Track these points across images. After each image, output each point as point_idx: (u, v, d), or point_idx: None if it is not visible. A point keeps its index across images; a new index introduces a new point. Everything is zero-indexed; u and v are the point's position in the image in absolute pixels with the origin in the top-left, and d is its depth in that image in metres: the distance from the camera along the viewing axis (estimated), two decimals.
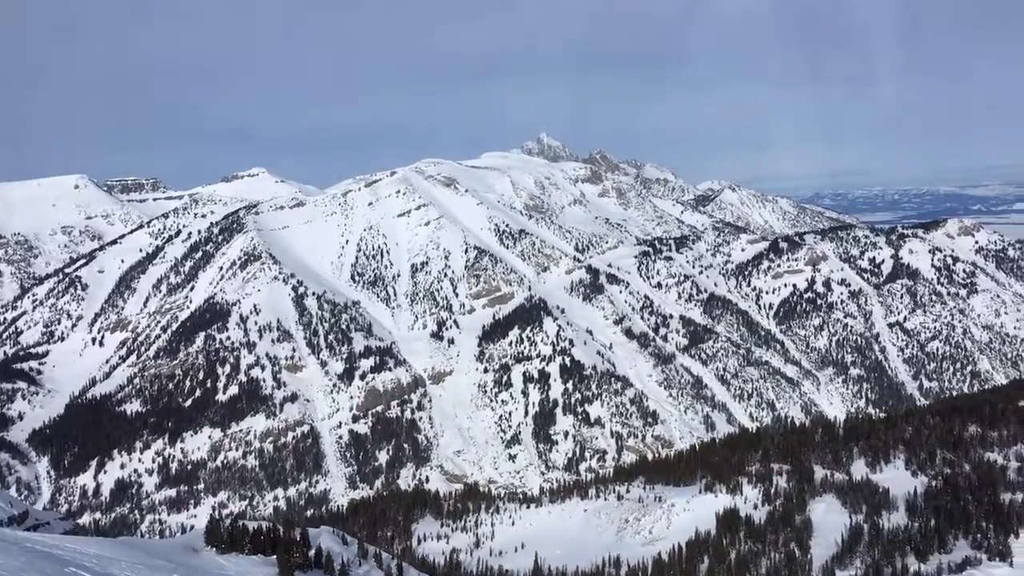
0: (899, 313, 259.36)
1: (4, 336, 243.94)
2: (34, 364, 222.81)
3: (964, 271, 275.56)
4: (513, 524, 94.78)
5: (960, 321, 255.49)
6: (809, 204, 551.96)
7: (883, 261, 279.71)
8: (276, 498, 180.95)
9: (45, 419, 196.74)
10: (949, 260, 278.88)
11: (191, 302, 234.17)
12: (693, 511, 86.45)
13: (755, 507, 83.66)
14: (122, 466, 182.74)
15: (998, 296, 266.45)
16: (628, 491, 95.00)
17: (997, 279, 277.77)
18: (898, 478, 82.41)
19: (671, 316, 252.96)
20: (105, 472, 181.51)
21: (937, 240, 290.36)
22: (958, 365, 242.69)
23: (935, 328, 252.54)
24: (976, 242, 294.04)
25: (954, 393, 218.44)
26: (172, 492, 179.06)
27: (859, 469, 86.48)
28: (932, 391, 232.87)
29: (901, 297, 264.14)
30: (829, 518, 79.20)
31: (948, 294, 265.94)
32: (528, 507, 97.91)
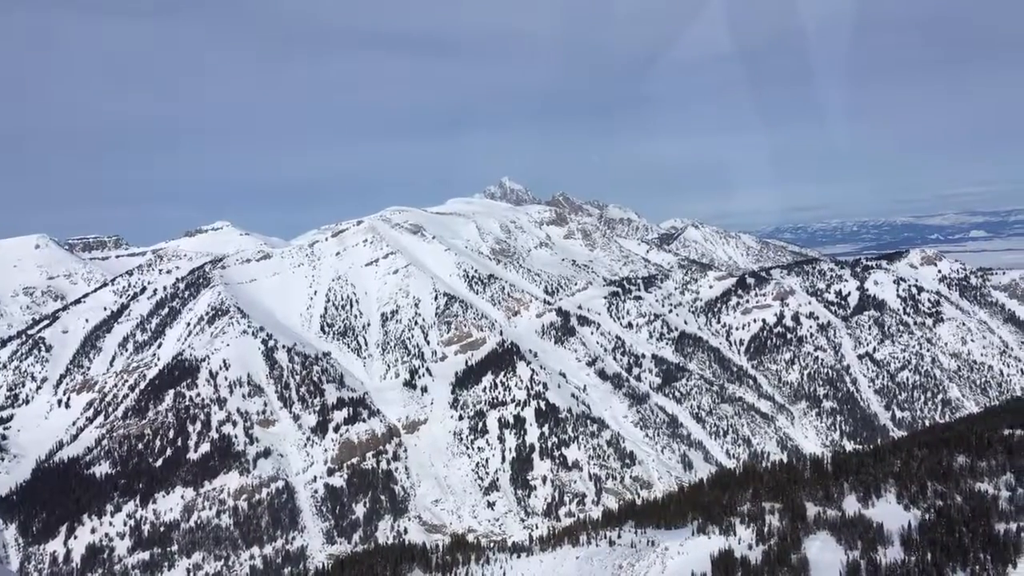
0: (868, 344, 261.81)
1: None
2: None
3: (929, 300, 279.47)
4: (504, 575, 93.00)
5: (928, 350, 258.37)
6: (771, 239, 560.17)
7: (849, 293, 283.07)
8: (252, 557, 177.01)
9: (11, 485, 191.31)
10: (914, 290, 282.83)
11: (159, 359, 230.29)
12: (687, 554, 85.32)
13: (749, 547, 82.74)
14: (92, 531, 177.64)
15: (964, 324, 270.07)
16: (620, 536, 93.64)
17: (961, 307, 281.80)
18: (891, 512, 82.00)
19: (643, 355, 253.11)
20: (75, 537, 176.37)
21: (901, 271, 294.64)
22: (929, 394, 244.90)
23: (904, 358, 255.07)
24: (939, 271, 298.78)
25: (927, 422, 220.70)
26: (145, 555, 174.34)
27: (851, 505, 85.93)
28: (905, 421, 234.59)
29: (869, 328, 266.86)
30: (825, 556, 78.41)
31: (915, 324, 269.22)
32: (518, 556, 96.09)
